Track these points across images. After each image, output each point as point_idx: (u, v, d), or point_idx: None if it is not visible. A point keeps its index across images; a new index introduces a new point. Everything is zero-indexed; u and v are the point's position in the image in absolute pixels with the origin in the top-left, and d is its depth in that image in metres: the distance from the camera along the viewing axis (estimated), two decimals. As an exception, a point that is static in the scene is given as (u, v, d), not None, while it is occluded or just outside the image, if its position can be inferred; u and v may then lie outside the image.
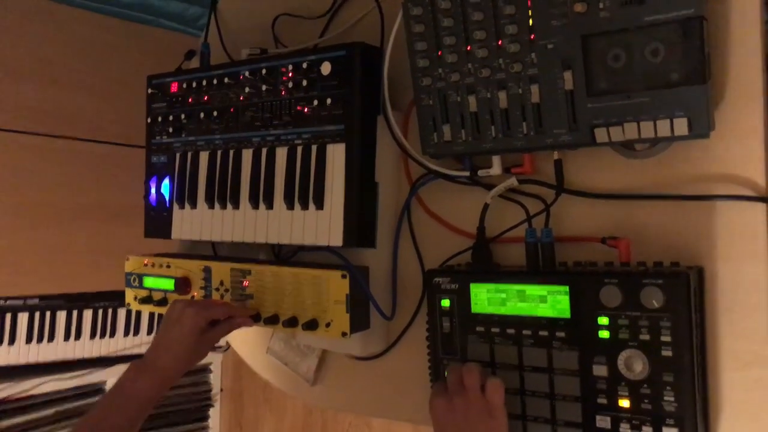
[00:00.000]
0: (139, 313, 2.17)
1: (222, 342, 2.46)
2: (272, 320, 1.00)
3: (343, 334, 0.93)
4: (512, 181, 0.90)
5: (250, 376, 2.65)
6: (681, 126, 0.74)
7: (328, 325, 0.94)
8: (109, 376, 2.11)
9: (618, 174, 0.85)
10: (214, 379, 2.55)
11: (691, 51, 0.72)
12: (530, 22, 0.81)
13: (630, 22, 0.74)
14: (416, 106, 0.92)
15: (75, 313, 2.04)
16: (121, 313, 2.13)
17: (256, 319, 1.02)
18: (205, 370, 2.52)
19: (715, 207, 0.78)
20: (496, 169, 0.91)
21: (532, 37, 0.81)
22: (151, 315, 2.19)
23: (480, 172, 0.92)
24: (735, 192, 0.77)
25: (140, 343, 2.16)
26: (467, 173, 0.93)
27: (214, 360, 2.52)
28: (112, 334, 2.11)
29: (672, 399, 0.74)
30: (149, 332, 2.19)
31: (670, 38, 0.73)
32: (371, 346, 1.03)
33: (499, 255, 0.94)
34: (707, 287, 0.79)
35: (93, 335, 2.07)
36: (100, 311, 2.09)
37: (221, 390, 2.58)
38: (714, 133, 0.75)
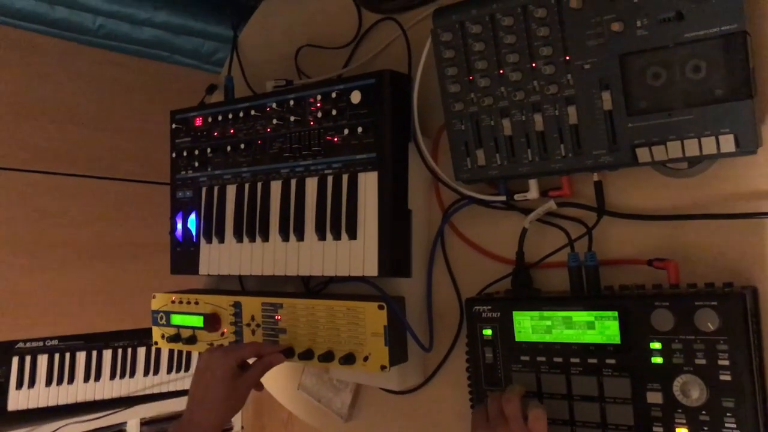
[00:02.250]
0: (158, 352, 2.14)
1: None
2: (307, 355, 0.97)
3: (383, 368, 0.90)
4: (551, 205, 0.88)
5: (271, 413, 2.60)
6: (727, 143, 0.72)
7: (366, 358, 0.92)
8: (130, 417, 2.07)
9: (661, 194, 0.83)
10: (235, 417, 2.50)
11: (735, 66, 0.70)
12: (565, 43, 0.80)
13: (669, 39, 0.73)
14: (448, 131, 0.90)
15: (94, 353, 2.02)
16: (141, 352, 2.10)
17: (288, 354, 0.99)
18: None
19: (765, 225, 0.76)
20: (533, 192, 0.89)
21: (567, 58, 0.80)
22: (171, 354, 2.16)
23: (516, 197, 0.90)
24: (786, 208, 0.75)
25: (160, 382, 2.12)
26: (503, 198, 0.91)
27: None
28: (132, 374, 2.08)
29: (734, 426, 0.71)
30: (169, 371, 2.15)
31: (712, 54, 0.72)
32: (409, 379, 1.00)
33: (539, 281, 0.91)
34: (762, 307, 0.76)
35: (113, 376, 2.04)
36: (120, 351, 2.06)
37: (242, 428, 2.53)
38: (761, 149, 0.73)
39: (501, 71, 0.84)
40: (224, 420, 0.92)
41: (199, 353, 0.99)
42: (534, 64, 0.82)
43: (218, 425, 0.91)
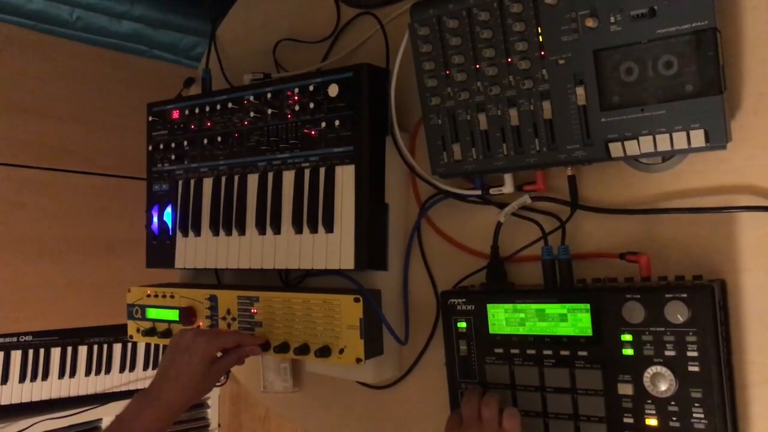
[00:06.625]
0: (135, 349, 2.12)
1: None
2: (283, 348, 0.97)
3: (358, 361, 0.91)
4: (525, 199, 0.89)
5: (248, 410, 2.59)
6: (698, 138, 0.73)
7: (341, 351, 0.92)
8: (105, 414, 2.05)
9: (633, 188, 0.84)
10: (212, 414, 2.48)
11: (705, 62, 0.72)
12: (540, 38, 0.80)
13: (642, 35, 0.74)
14: (425, 125, 0.91)
15: (69, 349, 1.99)
16: (117, 348, 2.08)
17: (264, 347, 0.99)
18: (203, 405, 2.45)
19: (734, 219, 0.78)
20: (508, 187, 0.89)
21: (542, 53, 0.80)
22: (147, 350, 2.14)
23: (492, 191, 0.91)
24: (754, 203, 0.76)
25: (136, 378, 2.11)
26: (479, 192, 0.92)
27: (211, 394, 2.46)
28: (108, 371, 2.05)
29: (701, 416, 0.73)
30: (145, 368, 2.13)
31: (683, 50, 0.73)
32: (385, 372, 1.00)
33: (513, 274, 0.92)
34: (730, 300, 0.78)
35: (88, 372, 2.01)
36: (95, 347, 2.04)
37: (219, 425, 2.51)
38: (731, 144, 0.74)
39: (477, 66, 0.85)
40: (192, 401, 0.93)
41: (180, 330, 0.99)
42: (510, 59, 0.83)
43: (186, 405, 0.92)
